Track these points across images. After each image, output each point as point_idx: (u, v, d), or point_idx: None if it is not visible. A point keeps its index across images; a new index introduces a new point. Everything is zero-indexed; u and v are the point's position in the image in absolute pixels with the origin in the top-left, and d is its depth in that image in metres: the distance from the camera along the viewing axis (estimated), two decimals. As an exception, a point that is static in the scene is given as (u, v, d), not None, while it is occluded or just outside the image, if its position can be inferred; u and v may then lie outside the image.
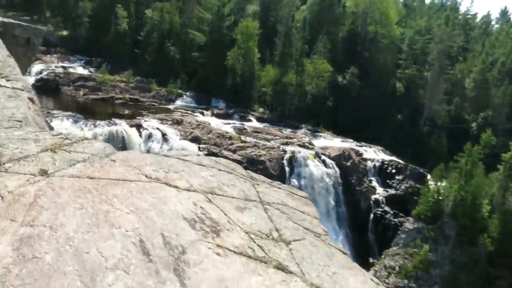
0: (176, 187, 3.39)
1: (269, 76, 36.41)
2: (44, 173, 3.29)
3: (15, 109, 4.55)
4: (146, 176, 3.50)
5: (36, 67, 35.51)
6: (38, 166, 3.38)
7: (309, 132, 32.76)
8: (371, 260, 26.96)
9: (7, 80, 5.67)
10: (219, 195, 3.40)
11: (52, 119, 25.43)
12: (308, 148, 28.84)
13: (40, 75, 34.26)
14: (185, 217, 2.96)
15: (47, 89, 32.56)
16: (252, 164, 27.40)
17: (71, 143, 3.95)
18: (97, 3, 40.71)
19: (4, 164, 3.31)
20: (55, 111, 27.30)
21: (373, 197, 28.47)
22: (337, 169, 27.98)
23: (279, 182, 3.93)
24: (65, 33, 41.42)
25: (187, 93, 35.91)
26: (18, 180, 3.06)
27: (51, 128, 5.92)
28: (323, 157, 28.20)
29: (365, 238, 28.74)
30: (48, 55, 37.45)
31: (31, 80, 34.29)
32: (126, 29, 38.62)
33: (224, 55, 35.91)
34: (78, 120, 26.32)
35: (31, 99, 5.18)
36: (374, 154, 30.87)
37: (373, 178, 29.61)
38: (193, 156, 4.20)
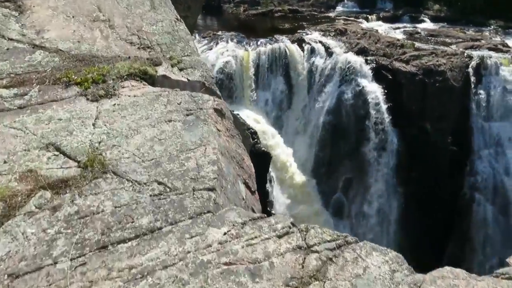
0: None
1: (446, -37, 29.07)
2: None
3: (200, 154, 2.56)
4: None
5: (197, -14, 34.72)
6: None
7: (500, 30, 25.86)
8: None
9: (180, 69, 3.73)
10: None
11: (218, 41, 24.64)
12: (501, 51, 22.78)
13: (201, -6, 33.49)
14: None
15: (210, 9, 31.76)
16: (429, 76, 22.96)
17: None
18: None
19: None
20: (219, 32, 26.40)
21: None
22: (541, 75, 21.72)
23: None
24: None
25: (348, -4, 31.35)
26: None
27: (248, 137, 3.95)
28: (522, 61, 22.03)
29: None
30: (206, -28, 36.16)
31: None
32: None
33: None
34: (241, 40, 24.97)
35: (218, 111, 3.15)
36: None
37: None
38: None
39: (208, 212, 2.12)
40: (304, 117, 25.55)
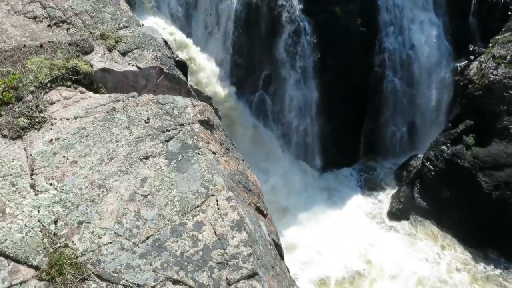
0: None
1: None
2: None
3: (212, 212, 1.82)
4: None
5: None
6: None
7: None
8: (471, 47, 23.42)
9: (123, 53, 2.59)
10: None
11: None
12: None
13: None
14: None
15: None
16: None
17: None
18: None
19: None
20: None
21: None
22: None
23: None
24: None
25: None
26: None
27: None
28: None
29: (465, 24, 24.35)
30: None
31: None
32: None
33: None
34: None
35: (205, 123, 2.24)
36: None
37: None
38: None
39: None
40: (213, 15, 23.70)
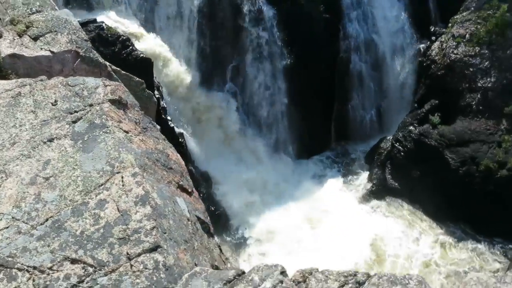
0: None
1: None
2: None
3: (117, 189, 1.83)
4: None
5: None
6: None
7: None
8: (432, 28, 23.90)
9: (34, 38, 2.48)
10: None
11: None
12: None
13: None
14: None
15: None
16: None
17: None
18: None
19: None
20: None
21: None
22: None
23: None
24: None
25: None
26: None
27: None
28: None
29: (425, 5, 24.84)
30: None
31: None
32: None
33: None
34: None
35: (117, 102, 2.18)
36: None
37: None
38: None
39: (164, 290, 1.42)
40: (175, 7, 23.37)
